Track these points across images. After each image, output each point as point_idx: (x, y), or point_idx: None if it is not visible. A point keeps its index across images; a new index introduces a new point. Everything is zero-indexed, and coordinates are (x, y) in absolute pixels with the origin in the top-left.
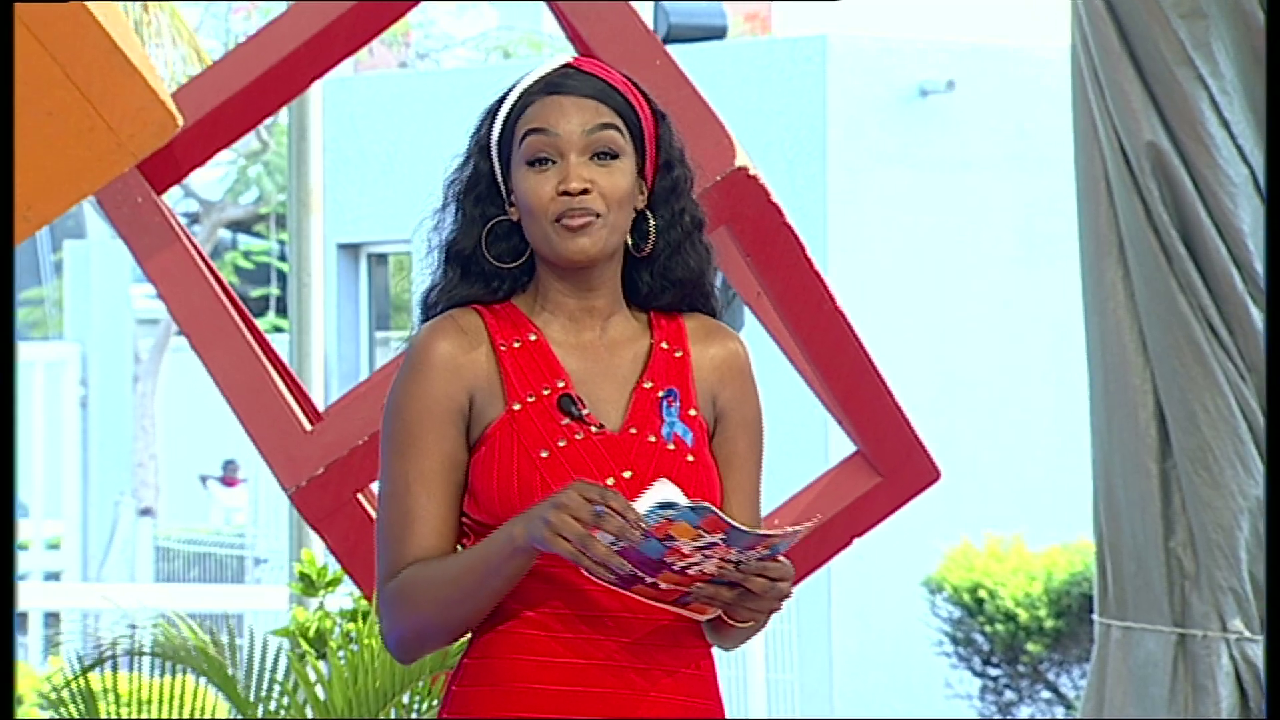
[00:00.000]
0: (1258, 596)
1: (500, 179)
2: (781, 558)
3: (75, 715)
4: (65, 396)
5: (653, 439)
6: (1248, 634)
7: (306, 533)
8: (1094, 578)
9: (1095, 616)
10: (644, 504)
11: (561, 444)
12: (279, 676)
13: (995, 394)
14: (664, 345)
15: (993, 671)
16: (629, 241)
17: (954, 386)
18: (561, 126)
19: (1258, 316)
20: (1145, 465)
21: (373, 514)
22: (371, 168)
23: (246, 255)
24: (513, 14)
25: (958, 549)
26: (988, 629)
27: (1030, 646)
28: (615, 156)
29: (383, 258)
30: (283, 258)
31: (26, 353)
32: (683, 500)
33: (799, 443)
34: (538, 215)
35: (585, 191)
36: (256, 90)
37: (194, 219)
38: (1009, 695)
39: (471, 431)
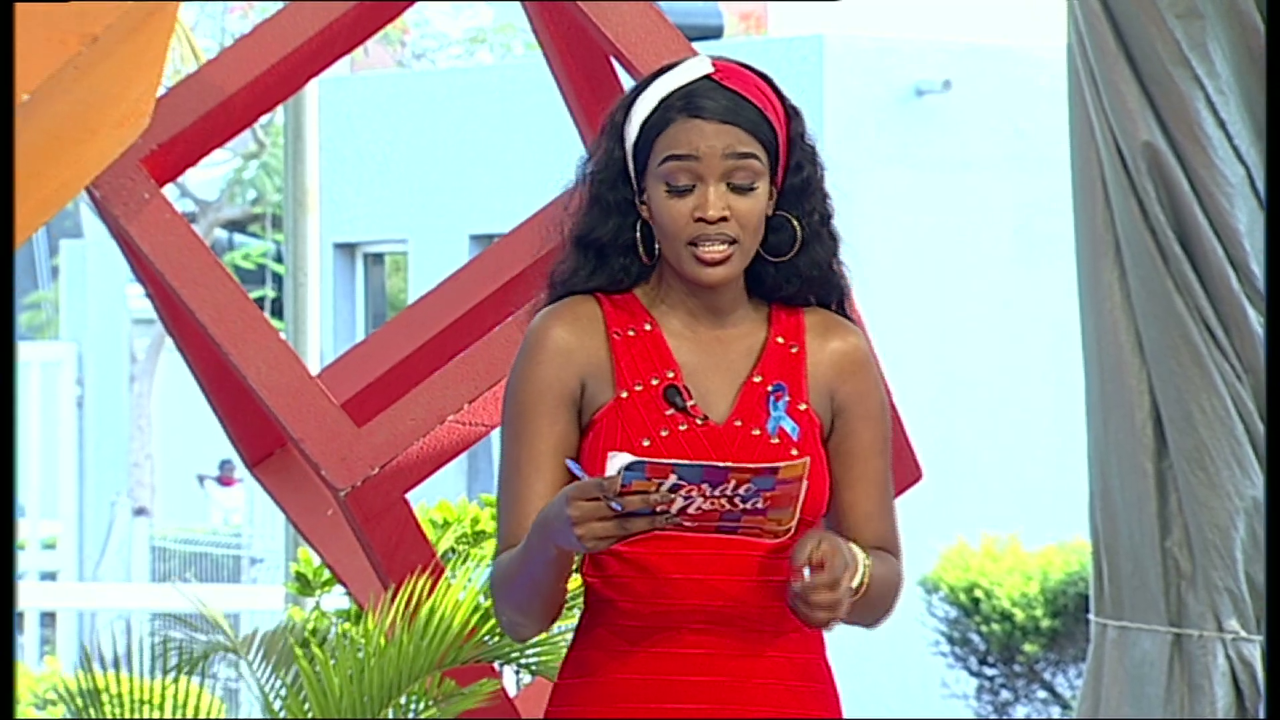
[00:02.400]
0: (1254, 597)
1: (633, 175)
2: (843, 548)
3: (71, 716)
4: (61, 396)
5: (757, 432)
6: (1243, 634)
7: None
8: (1090, 577)
9: (1091, 616)
10: (611, 471)
11: (664, 433)
12: (282, 675)
13: (992, 394)
14: (780, 340)
15: (989, 671)
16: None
17: (951, 386)
18: (702, 151)
19: (1254, 317)
20: (1141, 465)
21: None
22: (368, 167)
23: (246, 256)
24: (507, 13)
25: (954, 549)
26: (984, 629)
27: (1026, 646)
28: (753, 187)
29: (379, 257)
30: (278, 258)
31: (23, 352)
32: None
33: None
34: (672, 237)
35: (723, 219)
36: (257, 87)
37: (191, 219)
38: (1005, 695)
39: (583, 417)
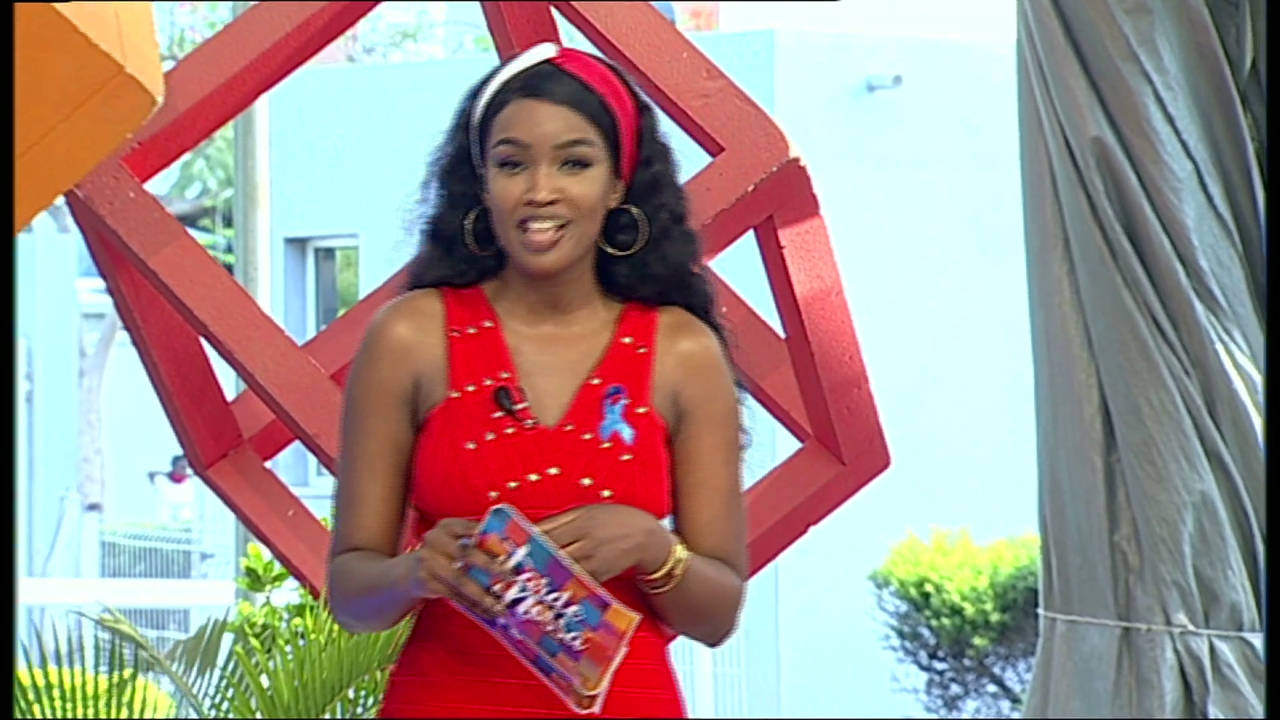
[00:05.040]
0: (1201, 590)
1: (478, 162)
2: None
3: (17, 714)
4: None
5: (588, 436)
6: (1191, 628)
7: None
8: (1039, 572)
9: (1040, 610)
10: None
11: (489, 437)
12: (226, 671)
13: (943, 389)
14: (626, 340)
15: (939, 665)
16: (602, 240)
17: (901, 381)
18: (533, 136)
19: (1202, 311)
20: (1090, 459)
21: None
22: (318, 162)
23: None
24: (462, 11)
25: (904, 543)
26: (934, 623)
27: (976, 640)
28: (587, 165)
29: (330, 252)
30: (229, 252)
31: None
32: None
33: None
34: (503, 216)
35: (553, 202)
36: (236, 82)
37: None
38: (955, 689)
39: (417, 416)
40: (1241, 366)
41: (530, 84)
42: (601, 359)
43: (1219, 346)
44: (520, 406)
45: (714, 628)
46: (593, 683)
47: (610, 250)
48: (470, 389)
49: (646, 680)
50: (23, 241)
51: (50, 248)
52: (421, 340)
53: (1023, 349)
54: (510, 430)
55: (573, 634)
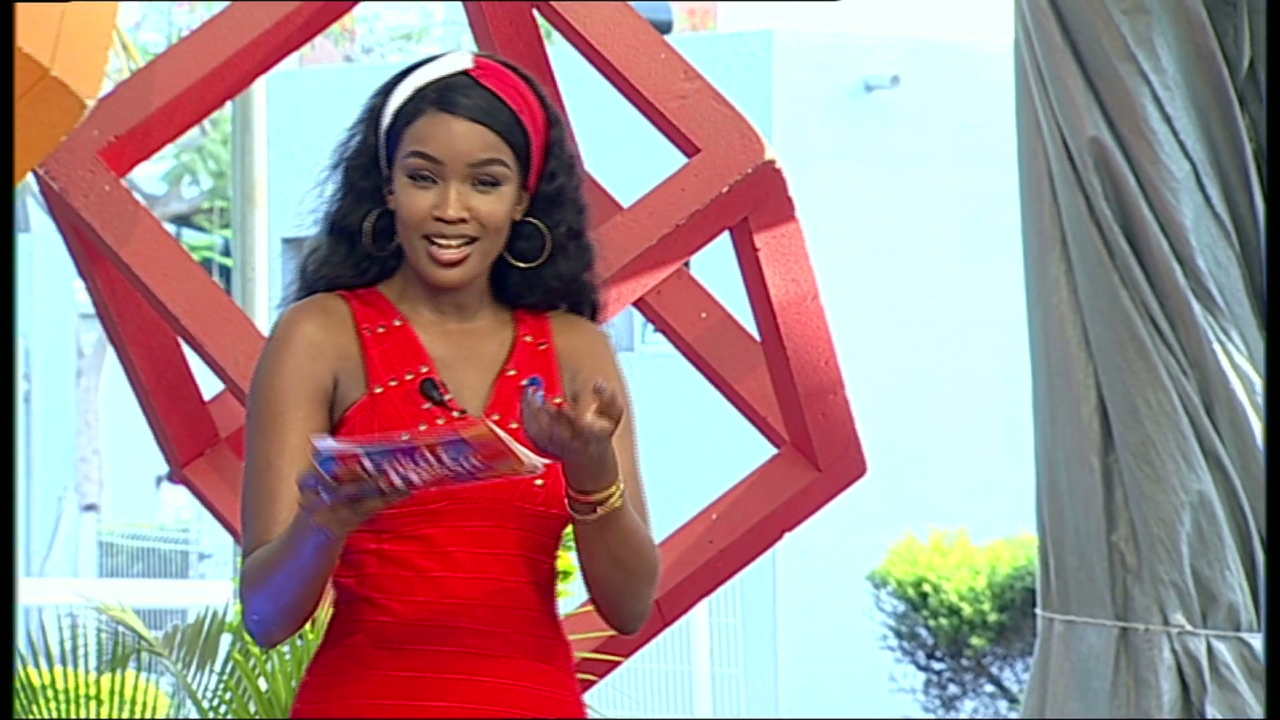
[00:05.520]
0: (1199, 591)
1: (384, 163)
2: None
3: (16, 714)
4: None
5: (514, 425)
6: (1189, 628)
7: None
8: (1037, 572)
9: (1038, 610)
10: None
11: (422, 428)
12: (224, 674)
13: (940, 389)
14: (528, 339)
15: (936, 665)
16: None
17: (899, 381)
18: (446, 154)
19: (1199, 311)
20: (1088, 459)
21: None
22: (316, 162)
23: (193, 250)
24: (462, 11)
25: (902, 543)
26: (931, 623)
27: (974, 640)
28: (497, 184)
29: None
30: (226, 252)
31: None
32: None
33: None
34: (410, 229)
35: (462, 220)
36: (214, 77)
37: None
38: (953, 689)
39: (334, 413)
40: (1239, 367)
41: (446, 97)
42: (511, 352)
43: (1217, 347)
44: (448, 397)
45: (634, 583)
46: (518, 463)
47: (510, 260)
48: (393, 383)
49: (548, 680)
50: (21, 241)
51: (48, 247)
52: (334, 339)
53: (1021, 349)
54: (441, 420)
55: (466, 464)
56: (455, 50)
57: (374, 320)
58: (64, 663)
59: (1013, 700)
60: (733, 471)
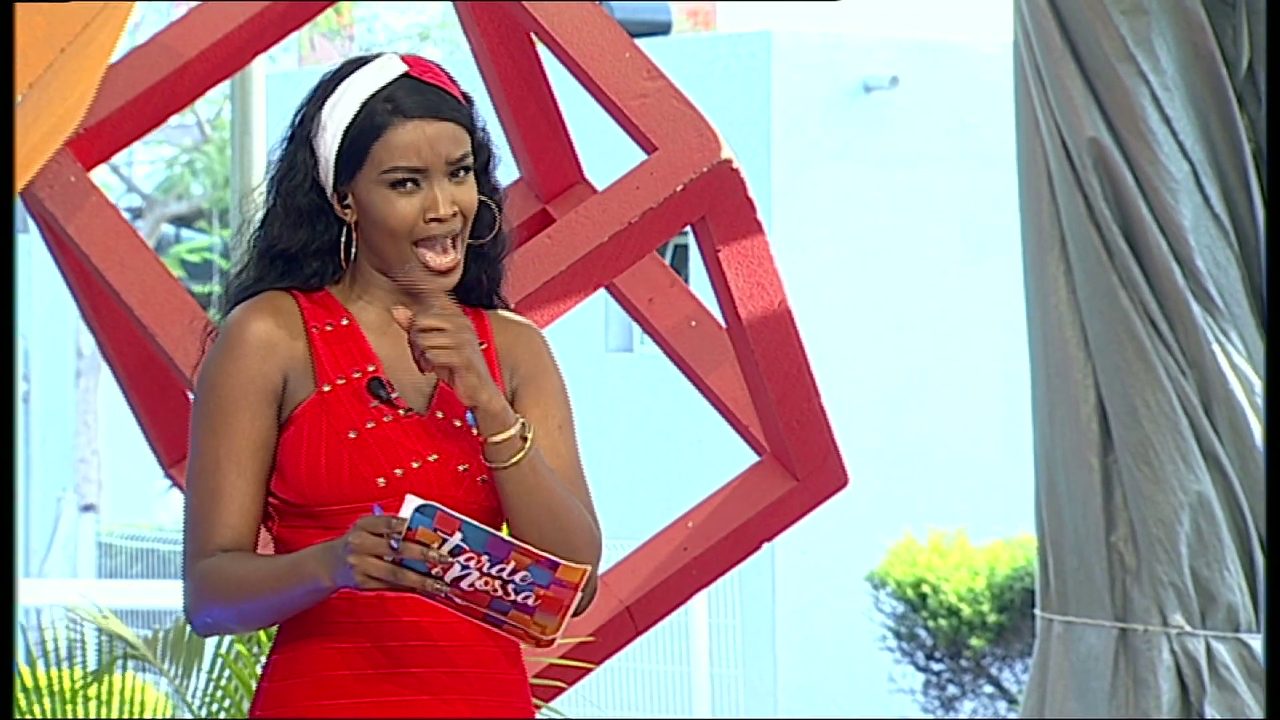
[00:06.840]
0: (1198, 591)
1: (328, 178)
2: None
3: (16, 714)
4: None
5: (458, 423)
6: (1188, 629)
7: None
8: (1036, 573)
9: (1037, 611)
10: (404, 513)
11: (370, 425)
12: (215, 675)
13: (939, 389)
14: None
15: (936, 666)
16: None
17: (897, 381)
18: (429, 159)
19: (1198, 312)
20: (1087, 460)
21: None
22: None
23: (192, 250)
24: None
25: (901, 544)
26: (931, 624)
27: (973, 641)
28: (468, 172)
29: None
30: (224, 253)
31: None
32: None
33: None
34: (400, 236)
35: (453, 215)
36: (186, 72)
37: (137, 214)
38: (952, 690)
39: (282, 412)
40: (1238, 367)
41: (408, 104)
42: None
43: (1215, 347)
44: (395, 395)
45: (565, 538)
46: (551, 629)
47: (479, 245)
48: (341, 382)
49: (494, 687)
50: (21, 241)
51: (46, 248)
52: (284, 337)
53: (1020, 350)
54: (389, 419)
55: (523, 594)
56: (383, 53)
57: (322, 319)
58: (61, 664)
59: (1012, 701)
60: (731, 473)
